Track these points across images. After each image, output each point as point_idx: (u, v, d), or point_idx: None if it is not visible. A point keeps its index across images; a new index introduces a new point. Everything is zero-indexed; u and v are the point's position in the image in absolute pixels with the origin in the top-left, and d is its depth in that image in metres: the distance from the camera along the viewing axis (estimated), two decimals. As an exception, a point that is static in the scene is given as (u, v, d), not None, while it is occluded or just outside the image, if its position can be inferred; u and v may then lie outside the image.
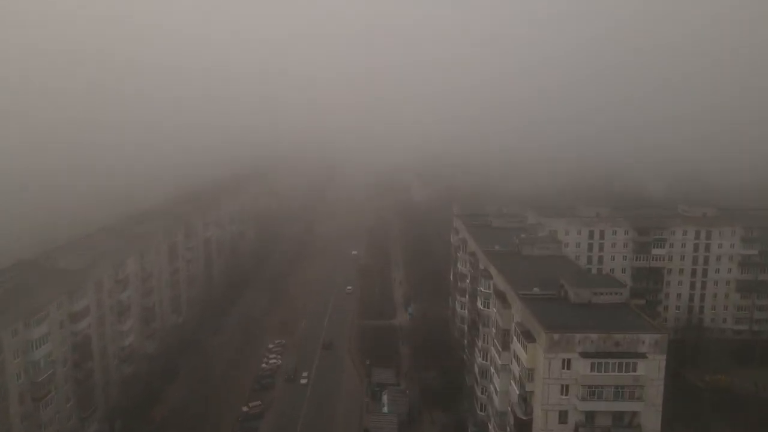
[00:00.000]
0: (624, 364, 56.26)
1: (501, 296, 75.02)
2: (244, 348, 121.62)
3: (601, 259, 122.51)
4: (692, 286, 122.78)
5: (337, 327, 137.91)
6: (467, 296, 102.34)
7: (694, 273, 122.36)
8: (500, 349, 71.85)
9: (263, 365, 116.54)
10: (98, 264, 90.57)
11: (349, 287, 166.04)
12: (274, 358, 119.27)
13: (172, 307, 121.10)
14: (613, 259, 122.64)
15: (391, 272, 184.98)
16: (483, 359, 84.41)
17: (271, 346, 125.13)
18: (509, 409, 67.22)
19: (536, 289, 69.05)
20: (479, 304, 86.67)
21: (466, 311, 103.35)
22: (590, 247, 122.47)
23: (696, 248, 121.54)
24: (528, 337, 61.61)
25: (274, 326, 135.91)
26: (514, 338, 66.41)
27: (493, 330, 77.85)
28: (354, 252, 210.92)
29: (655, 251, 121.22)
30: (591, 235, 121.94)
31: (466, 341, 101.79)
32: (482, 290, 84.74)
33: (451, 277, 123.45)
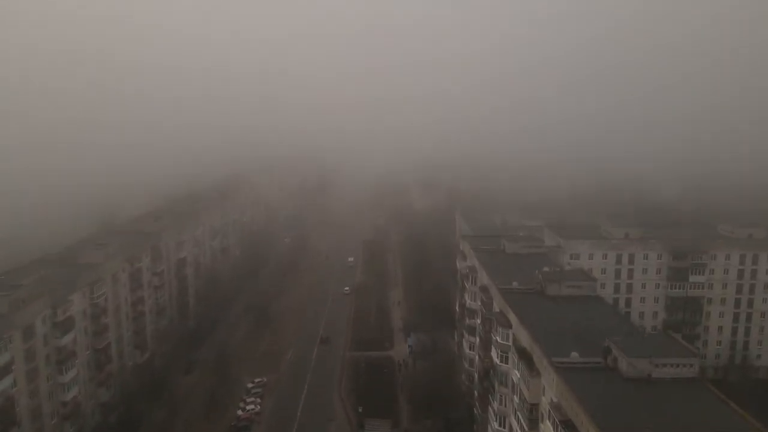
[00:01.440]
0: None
1: (525, 357, 58.68)
2: (218, 390, 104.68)
3: (630, 288, 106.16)
4: (736, 318, 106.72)
5: (327, 360, 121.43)
6: (477, 338, 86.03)
7: (738, 303, 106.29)
8: (526, 429, 55.46)
9: (239, 412, 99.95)
10: (30, 306, 74.17)
11: (347, 290, 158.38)
12: (252, 402, 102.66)
13: (135, 343, 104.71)
14: (644, 287, 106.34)
15: (389, 291, 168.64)
16: (500, 425, 68.07)
17: (250, 385, 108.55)
18: None
19: (575, 355, 52.62)
20: (494, 356, 70.42)
21: (476, 355, 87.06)
22: (617, 274, 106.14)
23: (740, 275, 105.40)
24: (570, 428, 45.28)
25: (255, 360, 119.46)
26: (549, 424, 50.02)
27: (515, 398, 61.52)
28: (350, 259, 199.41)
29: (694, 278, 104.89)
30: (619, 259, 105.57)
31: (476, 392, 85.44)
32: (498, 341, 68.42)
33: (457, 307, 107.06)
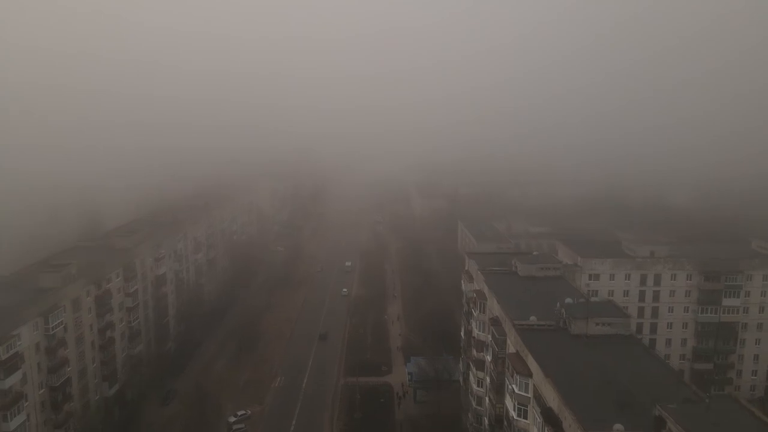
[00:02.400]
0: None
1: (552, 421, 47.53)
2: (195, 426, 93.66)
3: (656, 312, 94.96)
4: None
5: (318, 388, 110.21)
6: (488, 377, 74.83)
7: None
8: None
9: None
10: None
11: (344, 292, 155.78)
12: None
13: (103, 374, 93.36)
14: (671, 311, 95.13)
15: (388, 305, 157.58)
16: (517, 491, 56.91)
17: (232, 419, 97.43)
18: None
19: (619, 428, 41.44)
20: (510, 407, 59.29)
21: (486, 396, 75.85)
22: (642, 296, 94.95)
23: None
24: None
25: (239, 389, 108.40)
26: None
27: (539, 469, 50.36)
28: (347, 263, 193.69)
29: (727, 301, 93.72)
30: (643, 280, 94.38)
31: (486, 439, 74.27)
32: (515, 390, 57.26)
33: (462, 333, 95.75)
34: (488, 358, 73.85)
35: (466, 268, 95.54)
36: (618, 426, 41.40)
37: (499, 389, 67.52)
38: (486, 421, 75.29)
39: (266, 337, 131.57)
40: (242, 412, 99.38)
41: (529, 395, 55.16)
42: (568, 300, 65.71)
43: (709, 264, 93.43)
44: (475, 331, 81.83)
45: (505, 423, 61.88)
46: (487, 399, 74.74)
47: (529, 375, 55.38)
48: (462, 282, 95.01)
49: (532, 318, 64.29)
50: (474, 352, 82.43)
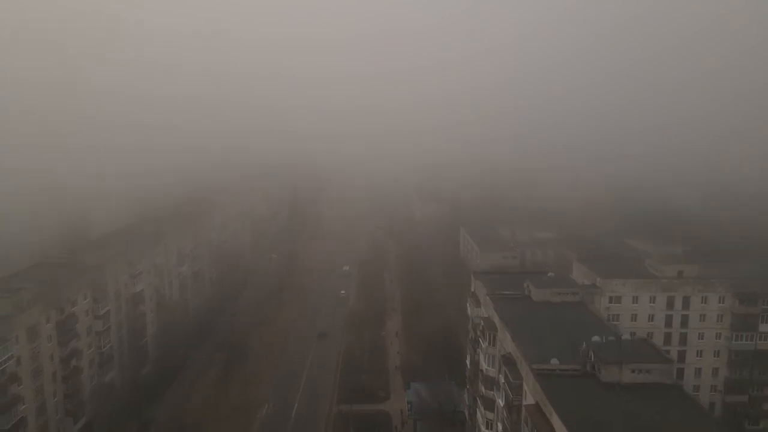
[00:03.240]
0: None
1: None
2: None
3: (684, 339, 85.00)
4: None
5: (309, 418, 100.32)
6: (499, 422, 65.00)
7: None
8: None
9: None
10: None
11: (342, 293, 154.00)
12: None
13: (66, 409, 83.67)
14: (702, 338, 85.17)
15: (387, 319, 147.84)
16: None
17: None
18: None
19: None
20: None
21: (497, 441, 66.09)
22: (668, 321, 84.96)
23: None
24: None
25: (222, 419, 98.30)
26: None
27: None
28: (345, 267, 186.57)
29: (765, 327, 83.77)
30: (670, 303, 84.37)
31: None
32: (536, 453, 47.46)
33: (468, 362, 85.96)
34: (500, 401, 64.04)
35: (473, 290, 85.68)
36: None
37: (513, 438, 57.80)
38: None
39: (254, 355, 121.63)
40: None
41: (553, 460, 45.44)
42: (596, 338, 55.80)
43: (745, 285, 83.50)
44: (484, 365, 72.03)
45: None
46: (497, 444, 65.05)
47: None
48: (468, 305, 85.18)
49: (554, 361, 54.44)
50: (482, 388, 72.56)
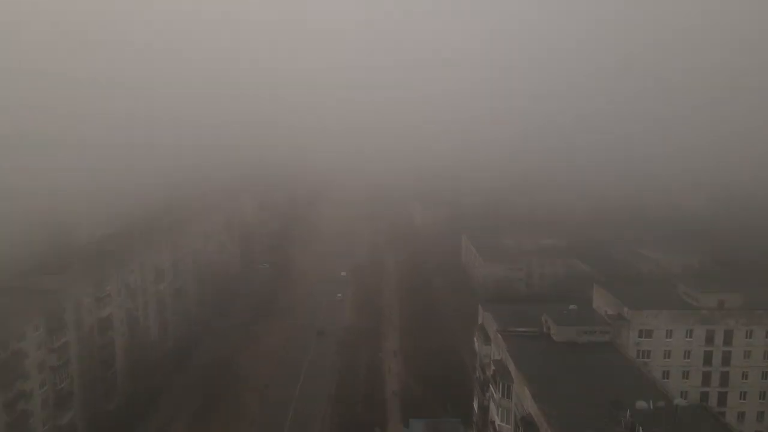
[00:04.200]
0: None
1: None
2: None
3: (725, 379, 73.62)
4: None
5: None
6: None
7: None
8: None
9: None
10: None
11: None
12: None
13: (11, 460, 72.32)
14: (746, 378, 73.83)
15: (384, 338, 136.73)
16: None
17: None
18: None
19: None
20: None
21: None
22: (707, 358, 73.59)
23: None
24: None
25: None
26: None
27: None
28: (343, 273, 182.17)
29: (819, 366, 72.53)
30: (710, 338, 72.99)
31: None
32: None
33: (476, 406, 74.56)
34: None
35: (480, 322, 74.26)
36: None
37: None
38: None
39: (237, 382, 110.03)
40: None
41: None
42: (642, 404, 44.32)
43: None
44: (496, 419, 60.60)
45: None
46: None
47: None
48: (475, 341, 73.79)
49: (589, 436, 43.05)
50: (493, 444, 61.27)
